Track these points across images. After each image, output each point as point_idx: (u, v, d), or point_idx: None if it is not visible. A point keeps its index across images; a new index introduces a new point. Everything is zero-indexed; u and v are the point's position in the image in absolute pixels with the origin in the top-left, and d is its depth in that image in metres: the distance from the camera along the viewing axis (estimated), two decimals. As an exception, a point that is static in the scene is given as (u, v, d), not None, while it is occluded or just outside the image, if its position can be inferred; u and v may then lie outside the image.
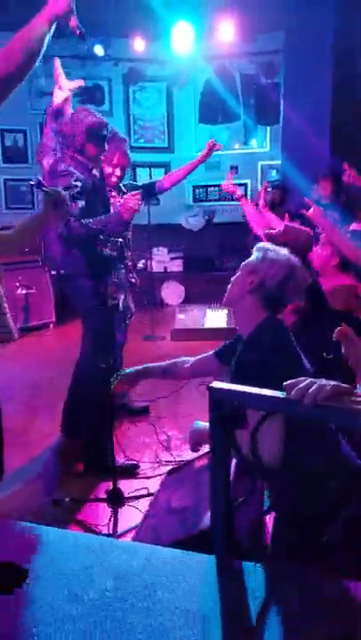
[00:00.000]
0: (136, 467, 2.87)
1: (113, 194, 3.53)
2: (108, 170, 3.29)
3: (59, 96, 2.81)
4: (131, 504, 2.48)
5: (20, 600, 0.96)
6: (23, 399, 3.94)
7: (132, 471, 2.81)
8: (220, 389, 1.04)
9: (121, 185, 3.43)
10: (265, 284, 1.69)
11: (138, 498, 2.55)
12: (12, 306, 5.82)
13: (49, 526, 1.22)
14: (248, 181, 7.59)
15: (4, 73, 1.64)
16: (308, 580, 0.99)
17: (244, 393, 1.01)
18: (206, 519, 1.72)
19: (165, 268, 7.65)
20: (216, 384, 1.05)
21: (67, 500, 2.44)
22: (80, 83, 2.90)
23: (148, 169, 7.47)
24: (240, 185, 7.72)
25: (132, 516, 2.40)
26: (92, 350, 2.80)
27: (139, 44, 6.78)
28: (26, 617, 0.93)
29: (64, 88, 2.81)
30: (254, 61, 7.13)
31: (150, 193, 3.59)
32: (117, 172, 3.33)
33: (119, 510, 2.45)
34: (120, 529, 2.36)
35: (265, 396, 1.01)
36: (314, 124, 5.87)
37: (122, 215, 2.75)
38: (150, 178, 7.44)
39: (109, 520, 2.39)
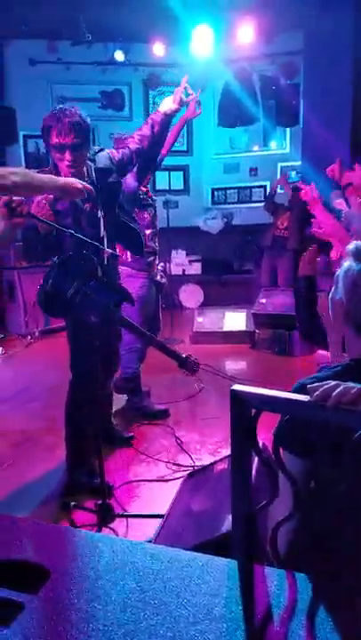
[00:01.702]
0: (111, 488, 2.66)
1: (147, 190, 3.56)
2: None
3: (167, 106, 2.78)
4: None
5: (42, 599, 0.97)
6: (44, 400, 3.98)
7: (109, 493, 2.61)
8: (242, 392, 1.03)
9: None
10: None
11: (129, 516, 2.46)
12: (33, 309, 5.91)
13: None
14: (267, 183, 7.56)
15: None
16: (333, 590, 0.98)
17: (267, 396, 1.01)
18: (227, 523, 1.72)
19: (184, 271, 7.67)
20: (238, 387, 1.05)
21: (72, 504, 2.43)
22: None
23: (167, 172, 7.48)
24: (259, 187, 7.72)
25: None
26: (71, 364, 2.71)
27: (158, 49, 6.83)
28: (49, 616, 0.93)
29: (176, 102, 2.78)
30: (274, 62, 7.12)
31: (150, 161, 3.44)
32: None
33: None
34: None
35: (287, 399, 1.01)
36: (334, 125, 5.84)
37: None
38: (169, 181, 7.48)
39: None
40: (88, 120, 2.50)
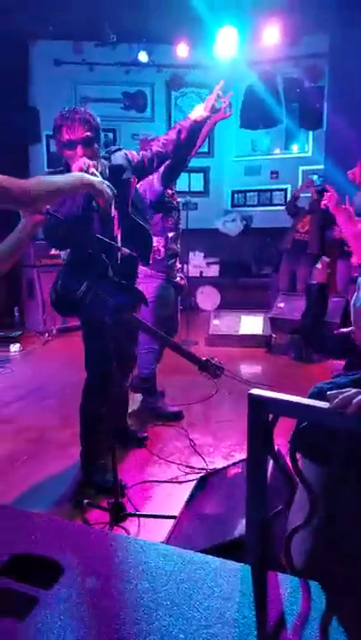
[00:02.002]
0: (123, 487, 2.65)
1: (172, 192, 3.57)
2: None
3: (197, 113, 2.79)
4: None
5: (56, 595, 0.98)
6: (59, 398, 4.01)
7: (122, 492, 2.59)
8: (260, 396, 1.03)
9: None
10: None
11: (140, 516, 2.42)
12: (51, 307, 5.95)
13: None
14: (288, 186, 7.54)
15: None
16: (348, 600, 0.97)
17: (285, 401, 1.01)
18: (240, 527, 1.72)
19: (201, 273, 7.67)
20: (255, 391, 1.05)
21: (85, 502, 2.43)
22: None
23: (187, 174, 7.50)
24: (280, 190, 7.70)
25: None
26: (85, 364, 2.71)
27: (182, 50, 6.85)
28: (62, 612, 0.94)
29: (207, 109, 2.79)
30: (298, 65, 7.09)
31: (179, 164, 3.40)
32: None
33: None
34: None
35: (306, 404, 1.00)
36: (358, 127, 5.80)
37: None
38: (189, 183, 7.48)
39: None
40: (97, 118, 2.52)
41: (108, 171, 2.56)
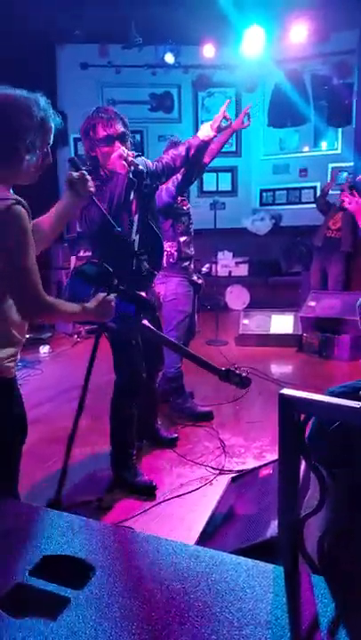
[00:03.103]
0: (154, 488, 2.71)
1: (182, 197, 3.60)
2: None
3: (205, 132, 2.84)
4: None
5: (87, 595, 0.98)
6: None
7: (150, 492, 2.67)
8: (291, 396, 1.01)
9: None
10: None
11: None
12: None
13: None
14: (317, 184, 7.44)
15: None
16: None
17: (317, 401, 0.99)
18: (272, 529, 1.70)
19: (230, 273, 7.63)
20: (286, 391, 1.03)
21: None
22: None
23: (215, 173, 7.48)
24: (309, 188, 7.61)
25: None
26: (114, 366, 2.73)
27: (208, 51, 6.83)
28: (93, 612, 0.94)
29: (213, 129, 2.86)
30: (327, 62, 6.99)
31: (196, 172, 3.49)
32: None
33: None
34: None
35: (337, 404, 0.98)
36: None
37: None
38: (217, 182, 7.47)
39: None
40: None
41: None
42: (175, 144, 3.46)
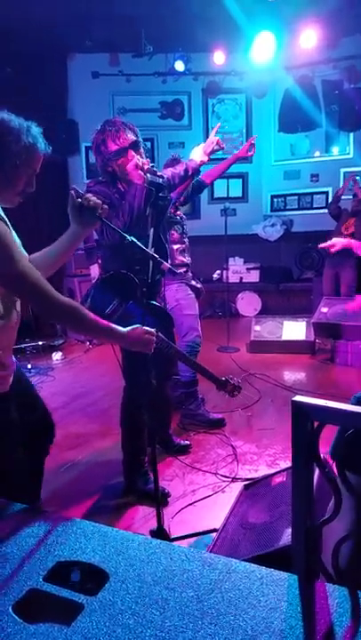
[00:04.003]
0: (166, 495, 2.70)
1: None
2: None
3: (197, 156, 2.95)
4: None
5: (101, 602, 0.99)
6: (101, 405, 4.06)
7: (163, 500, 2.64)
8: (304, 403, 1.01)
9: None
10: None
11: (185, 537, 2.31)
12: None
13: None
14: (329, 189, 7.42)
15: None
16: None
17: (330, 408, 0.98)
18: (286, 536, 1.69)
19: (241, 279, 7.62)
20: (299, 398, 1.03)
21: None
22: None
23: (225, 180, 7.49)
24: (320, 193, 7.59)
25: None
26: (123, 374, 2.73)
27: (218, 58, 6.87)
28: (107, 619, 0.94)
29: (206, 154, 2.97)
30: (337, 67, 6.99)
31: (197, 190, 3.69)
32: None
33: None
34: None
35: (353, 412, 0.98)
36: None
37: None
38: (227, 189, 7.48)
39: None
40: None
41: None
42: (175, 161, 3.61)
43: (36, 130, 1.63)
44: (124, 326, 1.93)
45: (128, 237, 2.06)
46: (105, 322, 1.77)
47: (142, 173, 2.46)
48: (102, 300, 2.39)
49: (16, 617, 0.95)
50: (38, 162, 1.66)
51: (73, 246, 1.92)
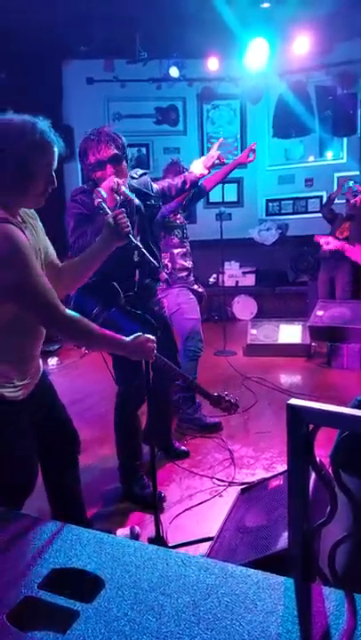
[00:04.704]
0: (163, 500, 2.69)
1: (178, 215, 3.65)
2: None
3: (198, 169, 3.01)
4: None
5: (97, 609, 0.98)
6: (97, 410, 4.04)
7: (159, 504, 2.60)
8: (299, 406, 1.01)
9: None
10: None
11: (182, 545, 2.30)
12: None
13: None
14: (323, 193, 7.45)
15: None
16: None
17: (325, 411, 0.98)
18: (282, 540, 1.68)
19: (237, 283, 7.63)
20: (294, 401, 1.03)
21: None
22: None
23: (220, 184, 7.49)
24: (315, 197, 7.62)
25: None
26: (116, 379, 2.75)
27: (212, 64, 6.90)
28: (103, 626, 0.94)
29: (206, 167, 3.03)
30: (330, 73, 7.03)
31: (197, 196, 3.74)
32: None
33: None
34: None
35: (348, 414, 0.98)
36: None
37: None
38: (222, 193, 7.49)
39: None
40: (122, 137, 2.52)
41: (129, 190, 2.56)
42: (175, 164, 3.62)
43: (43, 124, 1.56)
44: (111, 329, 1.96)
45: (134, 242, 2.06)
46: (110, 333, 1.77)
47: (116, 197, 2.34)
48: (84, 305, 2.37)
49: (10, 626, 0.94)
50: (52, 156, 1.58)
51: (97, 261, 1.91)
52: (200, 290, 3.81)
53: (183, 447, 3.28)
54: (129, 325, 2.19)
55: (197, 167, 2.99)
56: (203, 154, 7.22)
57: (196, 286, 3.78)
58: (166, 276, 3.50)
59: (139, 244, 2.10)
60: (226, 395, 2.90)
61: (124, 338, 1.82)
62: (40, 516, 1.57)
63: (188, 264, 3.76)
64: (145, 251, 2.13)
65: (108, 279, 2.36)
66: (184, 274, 3.70)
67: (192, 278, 3.81)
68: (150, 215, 2.66)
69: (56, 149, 1.60)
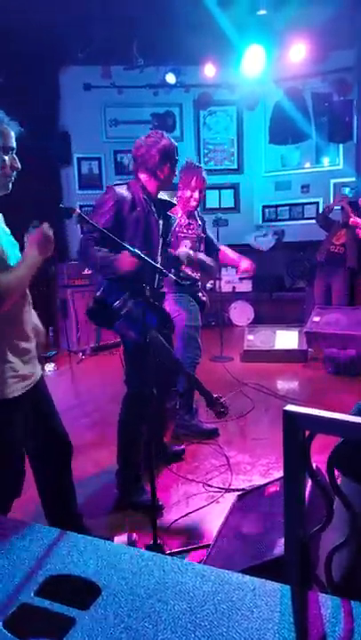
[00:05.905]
0: (161, 507, 2.69)
1: (189, 221, 3.63)
2: (187, 194, 3.46)
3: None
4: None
5: (93, 616, 0.98)
6: (95, 416, 4.04)
7: (159, 511, 2.62)
8: (295, 413, 1.01)
9: (197, 212, 3.64)
10: None
11: (180, 552, 2.32)
12: (85, 326, 6.05)
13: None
14: (320, 200, 7.48)
15: None
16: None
17: (321, 417, 0.98)
18: (278, 547, 1.68)
19: (234, 288, 7.65)
20: (290, 407, 1.03)
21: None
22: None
23: (217, 191, 7.53)
24: (311, 204, 7.65)
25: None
26: (126, 377, 2.78)
27: (209, 70, 6.94)
28: (99, 634, 0.94)
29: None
30: (326, 80, 7.08)
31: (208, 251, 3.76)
32: (196, 194, 3.50)
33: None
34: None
35: (344, 421, 0.98)
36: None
37: (117, 267, 2.47)
38: (219, 199, 7.51)
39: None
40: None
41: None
42: (190, 164, 3.55)
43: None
44: (130, 324, 2.31)
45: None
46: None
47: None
48: (112, 293, 2.54)
49: (7, 633, 0.94)
50: (7, 137, 1.68)
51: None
52: (203, 298, 3.78)
53: (178, 447, 3.29)
54: (149, 316, 2.30)
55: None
56: (199, 160, 7.27)
57: (199, 294, 3.76)
58: (175, 278, 3.50)
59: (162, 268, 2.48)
60: (219, 397, 2.86)
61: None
62: (35, 520, 1.57)
63: (194, 275, 3.72)
64: (162, 268, 2.48)
65: (136, 278, 2.41)
66: (187, 282, 3.68)
67: (196, 288, 3.79)
68: (169, 225, 2.88)
69: (7, 130, 1.69)
